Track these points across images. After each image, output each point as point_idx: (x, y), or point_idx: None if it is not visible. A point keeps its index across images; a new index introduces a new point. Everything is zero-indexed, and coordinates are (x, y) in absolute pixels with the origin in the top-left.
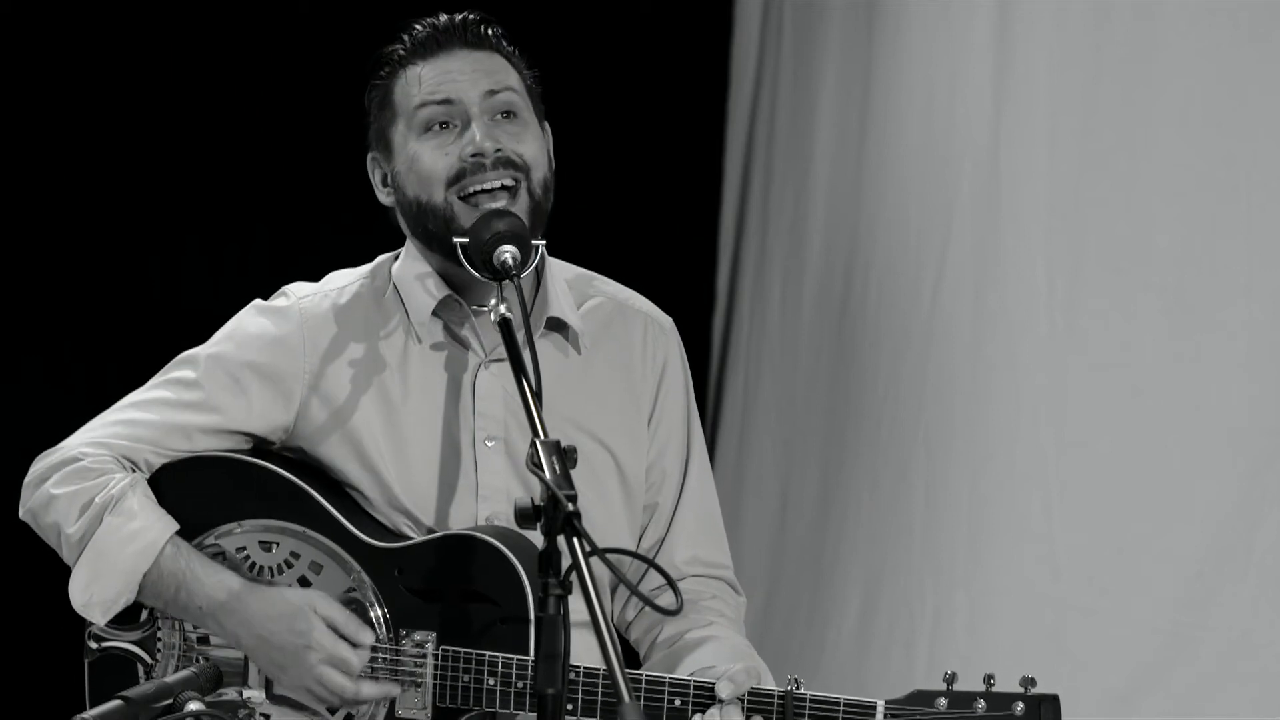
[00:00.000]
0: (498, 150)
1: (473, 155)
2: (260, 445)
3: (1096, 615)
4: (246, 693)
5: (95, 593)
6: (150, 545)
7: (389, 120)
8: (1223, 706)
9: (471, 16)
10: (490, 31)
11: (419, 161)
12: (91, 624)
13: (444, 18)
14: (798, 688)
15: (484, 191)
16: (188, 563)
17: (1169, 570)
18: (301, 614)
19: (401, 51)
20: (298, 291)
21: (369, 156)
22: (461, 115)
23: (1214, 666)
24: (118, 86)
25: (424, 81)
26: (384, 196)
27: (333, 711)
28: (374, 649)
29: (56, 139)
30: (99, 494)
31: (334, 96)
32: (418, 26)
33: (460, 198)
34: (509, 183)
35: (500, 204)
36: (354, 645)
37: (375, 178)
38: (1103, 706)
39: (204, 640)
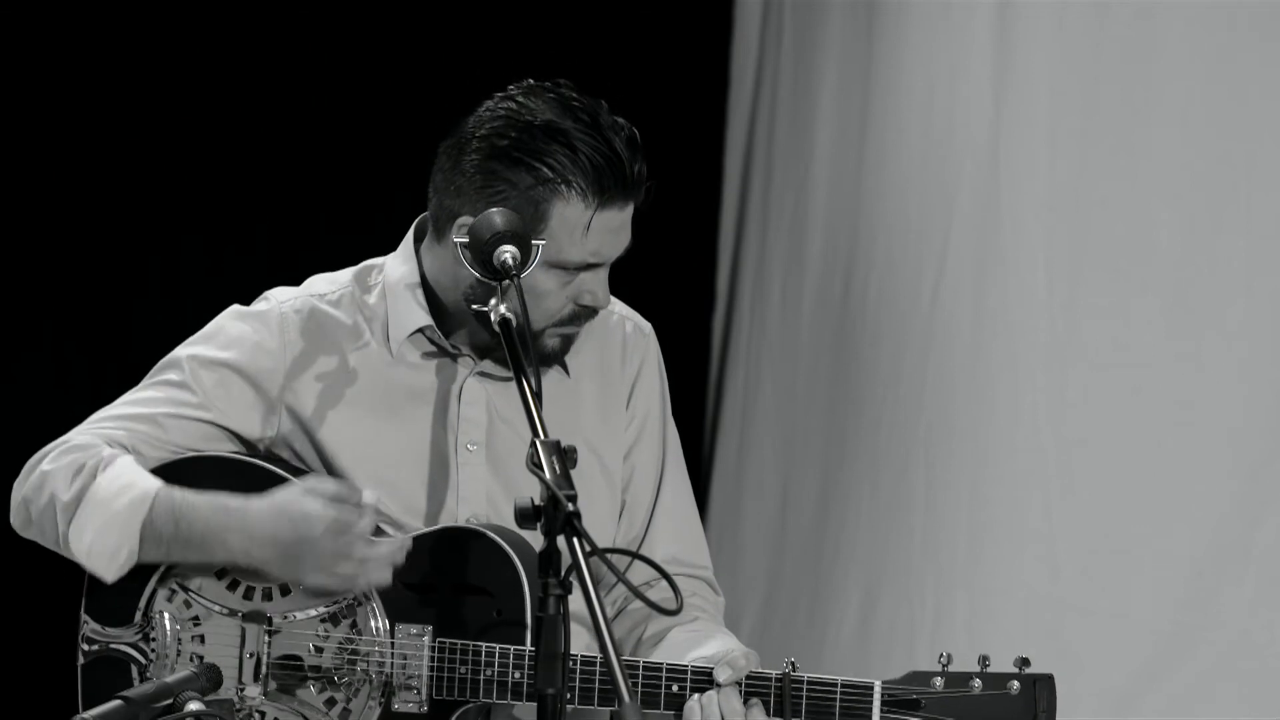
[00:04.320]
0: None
1: (589, 304)
2: (247, 448)
3: (1096, 615)
4: (245, 691)
5: (95, 541)
6: (144, 493)
7: (530, 227)
8: (1223, 706)
9: (639, 162)
10: (645, 173)
11: (539, 292)
12: (84, 625)
13: (617, 156)
14: (794, 670)
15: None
16: (181, 495)
17: (1169, 570)
18: (296, 500)
19: (571, 173)
20: (278, 296)
21: (464, 217)
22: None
23: (1214, 666)
24: (118, 86)
25: (591, 235)
26: (459, 254)
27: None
28: (372, 641)
29: (56, 139)
30: (89, 460)
31: (333, 97)
32: (586, 135)
33: (558, 328)
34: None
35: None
36: (357, 508)
37: (460, 234)
38: (1103, 706)
39: (198, 640)
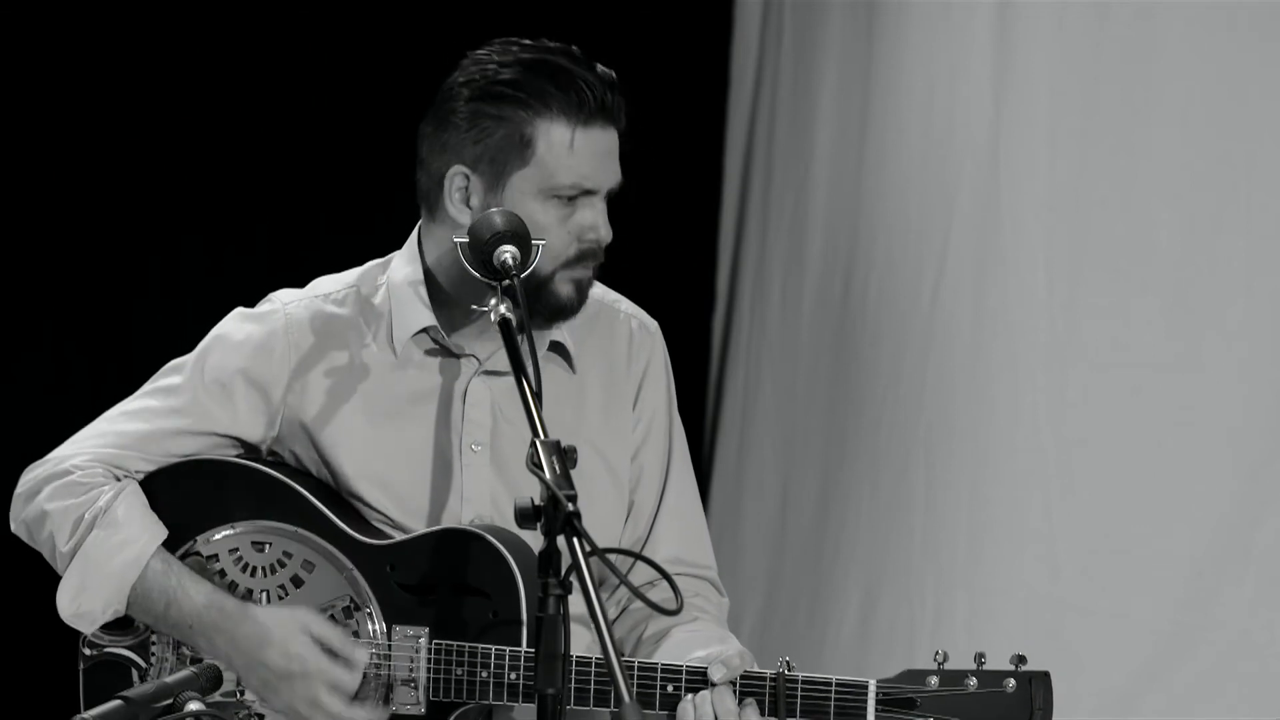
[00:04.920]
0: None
1: (593, 240)
2: (249, 450)
3: (1096, 615)
4: (245, 694)
5: (83, 603)
6: (137, 557)
7: (514, 158)
8: (1222, 706)
9: (614, 90)
10: (622, 102)
11: (540, 227)
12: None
13: (595, 81)
14: (789, 670)
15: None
16: (178, 579)
17: (1169, 570)
18: (294, 637)
19: (552, 95)
20: (282, 298)
21: (454, 168)
22: (587, 194)
23: (1214, 666)
24: (118, 86)
25: (577, 154)
26: (457, 212)
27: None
28: (370, 643)
29: (56, 139)
30: (88, 509)
31: (334, 97)
32: (564, 64)
33: (566, 269)
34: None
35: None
36: (349, 665)
37: (453, 189)
38: (1103, 706)
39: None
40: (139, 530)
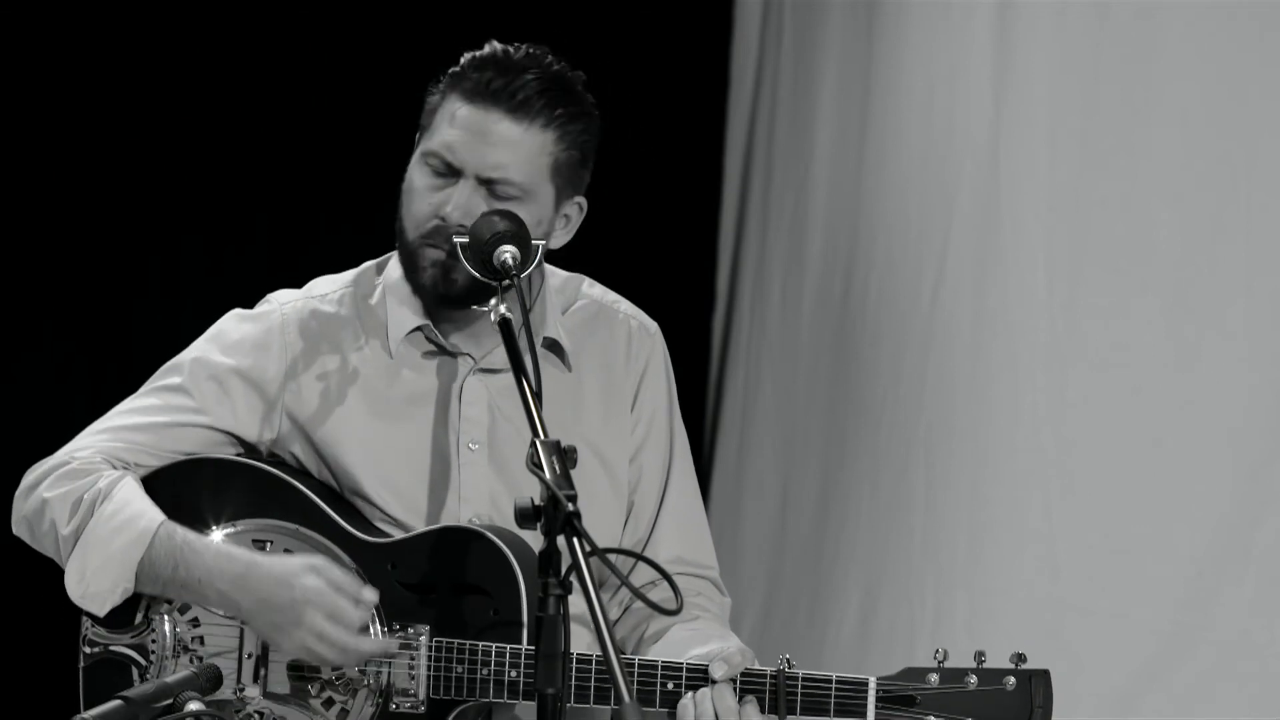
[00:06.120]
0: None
1: (440, 217)
2: (249, 450)
3: (1096, 615)
4: (244, 692)
5: (91, 584)
6: (143, 533)
7: (424, 128)
8: (1222, 706)
9: (527, 87)
10: (541, 104)
11: (411, 191)
12: (86, 628)
13: (510, 69)
14: (790, 667)
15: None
16: (183, 539)
17: (1169, 570)
18: (302, 573)
19: (463, 74)
20: (279, 298)
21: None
22: (457, 174)
23: (1214, 666)
24: (117, 86)
25: (452, 124)
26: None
27: (336, 677)
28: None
29: (56, 139)
30: (88, 491)
31: (334, 97)
32: (487, 52)
33: (423, 245)
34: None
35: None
36: (355, 601)
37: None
38: (1103, 706)
39: (198, 641)
40: (142, 506)
